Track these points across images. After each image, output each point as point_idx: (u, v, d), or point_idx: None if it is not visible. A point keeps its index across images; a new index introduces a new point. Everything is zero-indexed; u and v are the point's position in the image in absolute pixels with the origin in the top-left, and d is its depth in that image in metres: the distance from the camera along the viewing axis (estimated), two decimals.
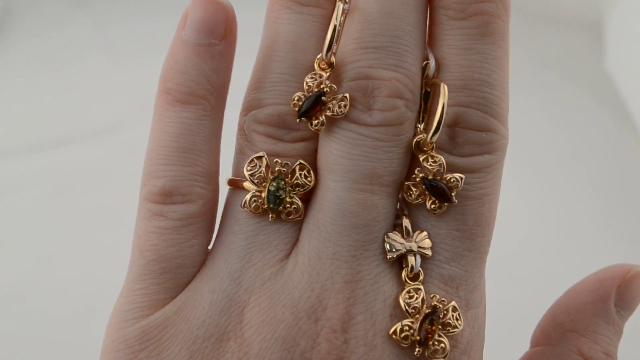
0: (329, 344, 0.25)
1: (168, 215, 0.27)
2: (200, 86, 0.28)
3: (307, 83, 0.27)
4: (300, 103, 0.27)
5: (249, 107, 0.28)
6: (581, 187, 0.63)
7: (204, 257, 0.28)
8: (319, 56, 0.27)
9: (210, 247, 0.28)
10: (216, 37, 0.28)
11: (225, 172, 0.29)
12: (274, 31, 0.28)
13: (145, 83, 0.65)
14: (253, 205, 0.27)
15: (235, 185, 0.28)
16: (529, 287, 0.57)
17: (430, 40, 0.28)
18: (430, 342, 0.25)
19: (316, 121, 0.26)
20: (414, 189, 0.27)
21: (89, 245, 0.57)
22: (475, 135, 0.27)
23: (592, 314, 0.30)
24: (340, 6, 0.27)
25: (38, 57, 0.70)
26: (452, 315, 0.26)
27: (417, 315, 0.26)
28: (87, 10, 0.73)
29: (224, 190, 0.29)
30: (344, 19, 0.27)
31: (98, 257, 0.56)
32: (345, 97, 0.26)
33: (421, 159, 0.27)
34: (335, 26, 0.26)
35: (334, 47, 0.27)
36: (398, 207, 0.28)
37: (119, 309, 0.27)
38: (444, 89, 0.26)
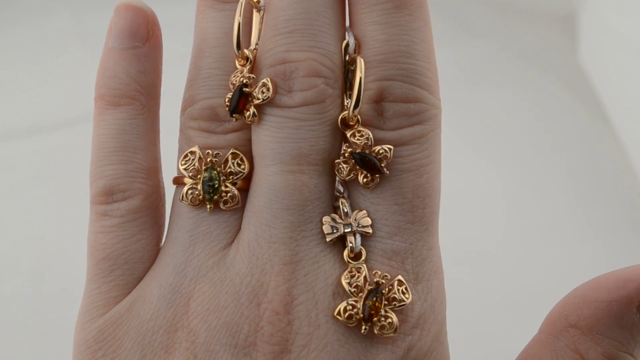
0: (272, 326, 0.24)
1: (112, 213, 0.27)
2: (129, 87, 0.28)
3: (231, 82, 0.27)
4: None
5: (184, 107, 0.28)
6: (555, 177, 0.63)
7: (154, 252, 0.28)
8: (237, 53, 0.27)
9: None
10: (139, 40, 0.28)
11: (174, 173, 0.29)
12: (201, 30, 0.29)
13: None
14: (190, 197, 0.26)
15: (179, 182, 0.28)
16: (506, 276, 0.56)
17: (349, 21, 0.28)
18: (376, 319, 0.24)
19: (247, 113, 0.26)
20: (344, 165, 0.26)
21: (66, 232, 0.56)
22: (402, 107, 0.26)
23: (603, 314, 0.26)
24: (241, 2, 0.27)
25: (17, 47, 0.69)
26: (398, 289, 0.25)
27: (361, 294, 0.24)
28: (66, 0, 0.71)
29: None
30: (262, 14, 0.28)
31: (75, 244, 0.55)
32: (266, 82, 0.26)
33: (348, 134, 0.26)
34: (239, 23, 0.26)
35: (254, 40, 0.27)
36: (341, 189, 0.27)
37: (80, 312, 0.27)
38: (360, 62, 0.26)
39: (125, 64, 0.28)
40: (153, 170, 0.28)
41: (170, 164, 0.29)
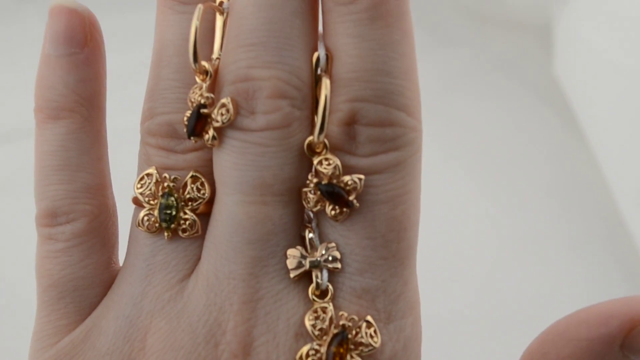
0: None
1: (57, 237, 0.25)
2: (67, 99, 0.25)
3: (190, 99, 0.23)
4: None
5: (143, 119, 0.25)
6: (528, 190, 0.61)
7: (105, 276, 0.25)
8: (193, 67, 0.23)
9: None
10: (76, 46, 0.25)
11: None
12: (160, 35, 0.25)
13: None
14: (147, 224, 0.24)
15: (138, 203, 0.25)
16: (479, 292, 0.54)
17: (323, 30, 0.24)
18: None
19: (207, 136, 0.23)
20: (311, 196, 0.23)
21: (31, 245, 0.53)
22: (376, 131, 0.22)
23: (584, 353, 0.23)
24: (200, 7, 0.23)
25: None
26: (367, 333, 0.22)
27: (325, 337, 0.22)
28: (36, 5, 0.68)
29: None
30: (225, 18, 0.24)
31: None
32: (226, 102, 0.23)
33: (315, 162, 0.23)
34: (195, 33, 0.22)
35: (217, 49, 0.24)
36: (311, 215, 0.24)
37: (32, 340, 0.25)
38: (324, 83, 0.22)
39: (62, 72, 0.25)
40: (99, 187, 0.26)
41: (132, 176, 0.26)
